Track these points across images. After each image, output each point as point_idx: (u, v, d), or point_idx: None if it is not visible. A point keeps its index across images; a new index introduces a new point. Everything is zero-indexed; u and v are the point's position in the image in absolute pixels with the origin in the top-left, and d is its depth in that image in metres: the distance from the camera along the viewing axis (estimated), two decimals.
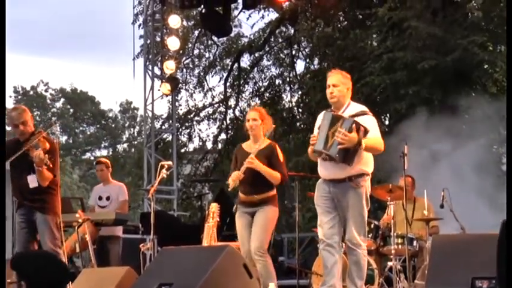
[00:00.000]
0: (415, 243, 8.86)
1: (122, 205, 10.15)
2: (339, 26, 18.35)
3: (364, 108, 6.70)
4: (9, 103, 40.97)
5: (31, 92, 41.97)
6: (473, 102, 12.91)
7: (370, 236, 8.86)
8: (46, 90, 42.66)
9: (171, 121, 17.68)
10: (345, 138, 6.22)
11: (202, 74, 21.71)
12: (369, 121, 6.53)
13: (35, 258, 5.97)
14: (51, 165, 7.21)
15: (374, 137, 6.49)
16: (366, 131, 6.35)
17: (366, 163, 6.60)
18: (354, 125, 6.28)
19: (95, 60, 73.59)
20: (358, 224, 6.55)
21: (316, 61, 20.05)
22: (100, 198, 10.28)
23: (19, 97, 41.50)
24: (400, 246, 8.72)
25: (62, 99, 43.02)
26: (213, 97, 22.02)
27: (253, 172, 7.22)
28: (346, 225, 6.58)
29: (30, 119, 7.64)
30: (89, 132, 43.28)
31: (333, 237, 6.62)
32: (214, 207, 7.94)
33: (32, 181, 7.42)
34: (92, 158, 40.44)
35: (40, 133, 7.42)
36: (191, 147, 22.73)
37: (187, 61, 21.33)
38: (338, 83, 6.61)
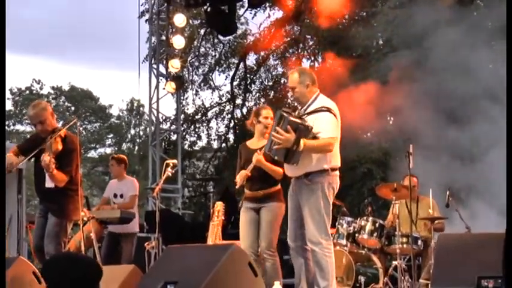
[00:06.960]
0: (419, 242, 8.86)
1: (130, 200, 10.08)
2: (344, 24, 18.31)
3: (327, 104, 6.42)
4: (8, 105, 40.67)
5: (27, 92, 41.44)
6: None
7: (375, 235, 8.88)
8: (41, 88, 42.12)
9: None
10: (281, 137, 6.07)
11: (208, 72, 21.73)
12: (322, 119, 6.30)
13: (63, 263, 5.73)
14: (54, 171, 7.03)
15: (321, 138, 6.23)
16: (308, 129, 6.15)
17: (325, 159, 6.32)
18: (288, 126, 6.07)
19: (97, 59, 72.85)
20: (316, 221, 6.31)
21: (320, 59, 20.04)
22: (115, 195, 10.22)
23: (16, 98, 41.04)
24: (404, 245, 8.72)
25: (63, 97, 42.67)
26: (219, 96, 22.06)
27: (258, 168, 7.20)
28: (305, 224, 6.37)
29: (49, 116, 7.37)
30: (92, 130, 43.02)
31: (297, 240, 6.53)
32: (219, 206, 7.94)
33: (49, 181, 7.26)
34: (97, 156, 40.30)
35: (57, 132, 7.23)
36: (200, 145, 22.87)
37: (192, 59, 21.34)
38: (294, 84, 6.49)
